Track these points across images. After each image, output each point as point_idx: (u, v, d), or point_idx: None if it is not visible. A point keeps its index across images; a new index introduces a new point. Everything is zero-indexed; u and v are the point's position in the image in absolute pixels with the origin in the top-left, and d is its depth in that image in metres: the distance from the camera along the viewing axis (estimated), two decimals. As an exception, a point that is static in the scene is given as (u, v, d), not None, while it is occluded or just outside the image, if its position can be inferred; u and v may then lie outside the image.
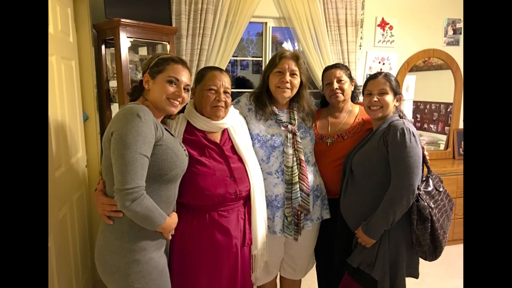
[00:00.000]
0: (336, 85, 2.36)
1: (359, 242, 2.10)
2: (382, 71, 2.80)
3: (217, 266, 1.96)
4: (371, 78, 2.18)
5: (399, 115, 2.14)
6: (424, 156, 2.10)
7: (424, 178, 2.09)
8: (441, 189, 2.13)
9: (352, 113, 2.46)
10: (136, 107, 1.61)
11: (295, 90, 2.25)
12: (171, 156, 1.69)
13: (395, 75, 4.10)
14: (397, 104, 2.16)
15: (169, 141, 1.72)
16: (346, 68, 2.45)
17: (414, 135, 1.96)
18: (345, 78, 2.38)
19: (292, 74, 2.21)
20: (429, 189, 2.06)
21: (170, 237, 1.83)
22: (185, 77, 1.79)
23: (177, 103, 1.77)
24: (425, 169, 2.14)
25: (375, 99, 2.10)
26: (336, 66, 2.45)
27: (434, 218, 1.97)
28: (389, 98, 2.10)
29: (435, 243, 2.03)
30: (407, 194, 1.93)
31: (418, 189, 1.99)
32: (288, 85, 2.19)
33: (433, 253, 2.07)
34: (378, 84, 2.12)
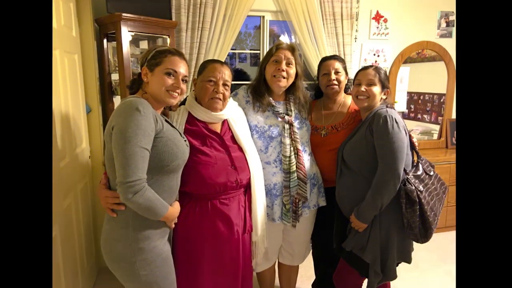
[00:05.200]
0: (333, 76, 2.39)
1: (352, 227, 2.14)
2: (373, 64, 2.82)
3: (219, 253, 2.00)
4: (362, 69, 2.22)
5: (386, 106, 2.16)
6: (412, 143, 2.15)
7: (414, 164, 2.14)
8: (431, 173, 2.17)
9: (345, 104, 2.48)
10: (136, 101, 1.62)
11: (290, 80, 2.28)
12: (171, 147, 1.70)
13: (389, 67, 4.19)
14: (384, 97, 2.20)
15: (169, 133, 1.74)
16: (343, 61, 2.48)
17: (396, 122, 2.00)
18: (341, 70, 2.42)
19: (288, 64, 2.24)
20: (419, 173, 2.10)
21: (173, 226, 1.86)
22: (183, 69, 1.79)
23: (176, 94, 1.77)
24: (415, 156, 2.20)
25: (363, 89, 2.14)
26: (334, 57, 2.48)
27: (423, 201, 2.01)
28: (377, 89, 2.14)
29: (425, 225, 2.06)
30: (393, 178, 1.97)
31: (407, 173, 2.04)
32: (284, 73, 2.23)
33: (424, 235, 2.10)
34: (368, 75, 2.16)
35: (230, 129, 2.15)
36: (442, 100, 4.59)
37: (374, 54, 4.20)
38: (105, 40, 3.19)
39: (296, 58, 2.29)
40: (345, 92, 2.55)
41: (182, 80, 1.79)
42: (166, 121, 1.83)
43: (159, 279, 1.75)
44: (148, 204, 1.60)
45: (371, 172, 2.05)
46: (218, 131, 2.09)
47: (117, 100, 3.30)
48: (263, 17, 3.91)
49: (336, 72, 2.40)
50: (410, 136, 2.12)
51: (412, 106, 4.78)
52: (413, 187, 2.01)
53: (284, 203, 2.27)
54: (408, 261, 2.23)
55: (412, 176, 2.05)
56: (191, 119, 2.05)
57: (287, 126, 2.27)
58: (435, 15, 4.36)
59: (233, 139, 2.13)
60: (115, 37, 2.98)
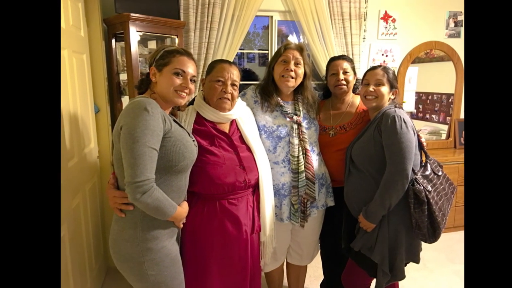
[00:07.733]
0: (342, 76, 2.38)
1: (360, 227, 2.14)
2: (382, 64, 2.80)
3: (228, 253, 1.99)
4: (370, 69, 2.22)
5: (394, 106, 2.16)
6: (421, 143, 2.14)
7: (423, 164, 2.14)
8: (440, 173, 2.17)
9: (353, 104, 2.48)
10: (144, 101, 1.61)
11: (299, 80, 2.28)
12: (180, 147, 1.70)
13: (398, 67, 4.18)
14: (392, 97, 2.20)
15: (178, 133, 1.73)
16: (351, 61, 2.48)
17: (405, 122, 2.00)
18: (350, 70, 2.41)
19: (296, 64, 2.23)
20: (427, 173, 2.09)
21: (182, 226, 1.86)
22: (191, 69, 1.78)
23: (185, 94, 1.77)
24: (424, 156, 2.18)
25: (371, 89, 2.14)
26: (343, 57, 2.47)
27: (431, 201, 2.00)
28: (385, 89, 2.14)
29: (433, 225, 2.06)
30: (401, 179, 1.96)
31: (415, 173, 2.03)
32: (292, 73, 2.22)
33: (433, 235, 2.10)
34: (376, 75, 2.16)
35: (238, 129, 2.14)
36: (450, 100, 4.57)
37: (383, 54, 4.19)
38: (113, 40, 3.19)
39: (305, 58, 2.28)
40: (354, 92, 2.54)
41: (191, 80, 1.78)
42: (175, 121, 1.83)
43: (168, 279, 1.75)
44: (156, 204, 1.59)
45: (380, 172, 2.04)
46: (227, 131, 2.09)
47: (125, 100, 3.30)
48: (272, 17, 3.90)
49: (345, 72, 2.40)
50: (418, 136, 2.11)
51: (421, 106, 4.78)
52: (422, 187, 2.00)
53: (292, 203, 2.26)
54: (417, 261, 2.22)
55: (420, 176, 2.05)
56: (199, 119, 2.05)
57: (295, 126, 2.26)
58: (443, 15, 4.34)
59: (242, 139, 2.13)
60: (124, 37, 2.99)
